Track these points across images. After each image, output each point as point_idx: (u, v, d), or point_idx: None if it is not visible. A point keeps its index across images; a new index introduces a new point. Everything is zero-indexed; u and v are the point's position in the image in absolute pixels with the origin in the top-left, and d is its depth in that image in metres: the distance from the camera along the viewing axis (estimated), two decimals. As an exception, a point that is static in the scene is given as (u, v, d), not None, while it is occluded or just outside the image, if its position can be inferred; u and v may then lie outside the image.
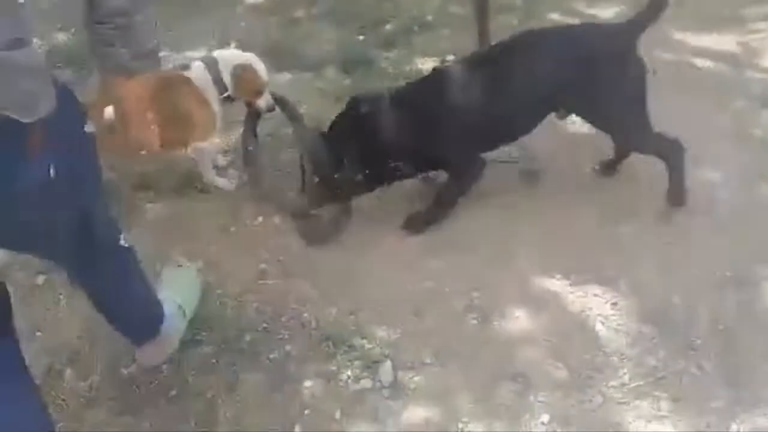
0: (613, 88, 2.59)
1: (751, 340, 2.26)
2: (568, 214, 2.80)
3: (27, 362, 1.71)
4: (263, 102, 2.90)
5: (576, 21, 4.09)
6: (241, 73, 2.82)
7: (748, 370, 2.17)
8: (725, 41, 3.92)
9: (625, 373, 2.19)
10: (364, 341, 2.36)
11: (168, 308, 2.27)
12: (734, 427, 2.01)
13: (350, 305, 2.50)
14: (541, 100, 2.69)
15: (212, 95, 2.81)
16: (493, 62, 2.73)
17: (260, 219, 2.91)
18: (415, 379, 2.24)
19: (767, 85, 3.51)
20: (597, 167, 3.00)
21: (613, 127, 2.71)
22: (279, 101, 2.97)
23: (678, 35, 3.97)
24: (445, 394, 2.18)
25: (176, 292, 2.40)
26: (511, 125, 2.76)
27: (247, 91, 2.87)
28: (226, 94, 2.84)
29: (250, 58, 2.88)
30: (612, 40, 2.64)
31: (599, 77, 2.57)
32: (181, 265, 2.59)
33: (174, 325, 2.30)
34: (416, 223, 2.82)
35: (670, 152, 2.68)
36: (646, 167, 2.84)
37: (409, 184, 2.94)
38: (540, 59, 2.63)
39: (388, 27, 4.35)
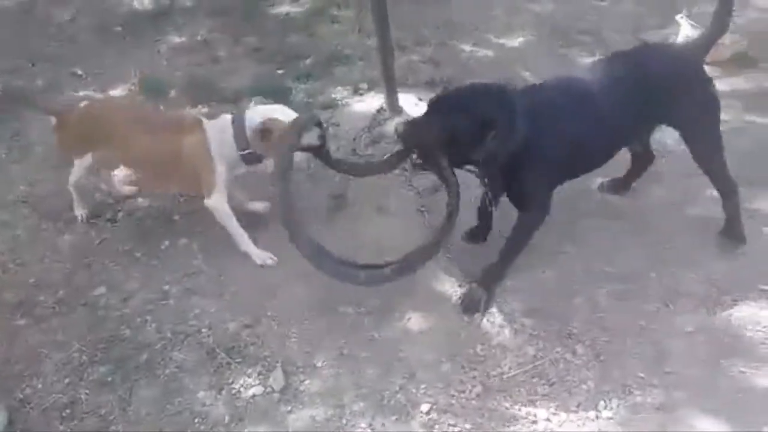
0: None
1: (621, 322, 2.41)
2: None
3: None
4: None
5: (488, 51, 4.30)
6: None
7: (616, 352, 2.30)
8: None
9: (505, 364, 2.28)
10: (259, 350, 2.41)
11: None
12: (602, 404, 2.13)
13: (248, 319, 2.54)
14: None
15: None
16: None
17: (166, 243, 2.95)
18: (306, 382, 2.29)
19: None
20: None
21: None
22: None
23: None
24: (334, 394, 2.25)
25: None
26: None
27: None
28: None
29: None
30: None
31: None
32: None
33: None
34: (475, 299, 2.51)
35: None
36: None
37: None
38: None
39: (307, 61, 4.49)
